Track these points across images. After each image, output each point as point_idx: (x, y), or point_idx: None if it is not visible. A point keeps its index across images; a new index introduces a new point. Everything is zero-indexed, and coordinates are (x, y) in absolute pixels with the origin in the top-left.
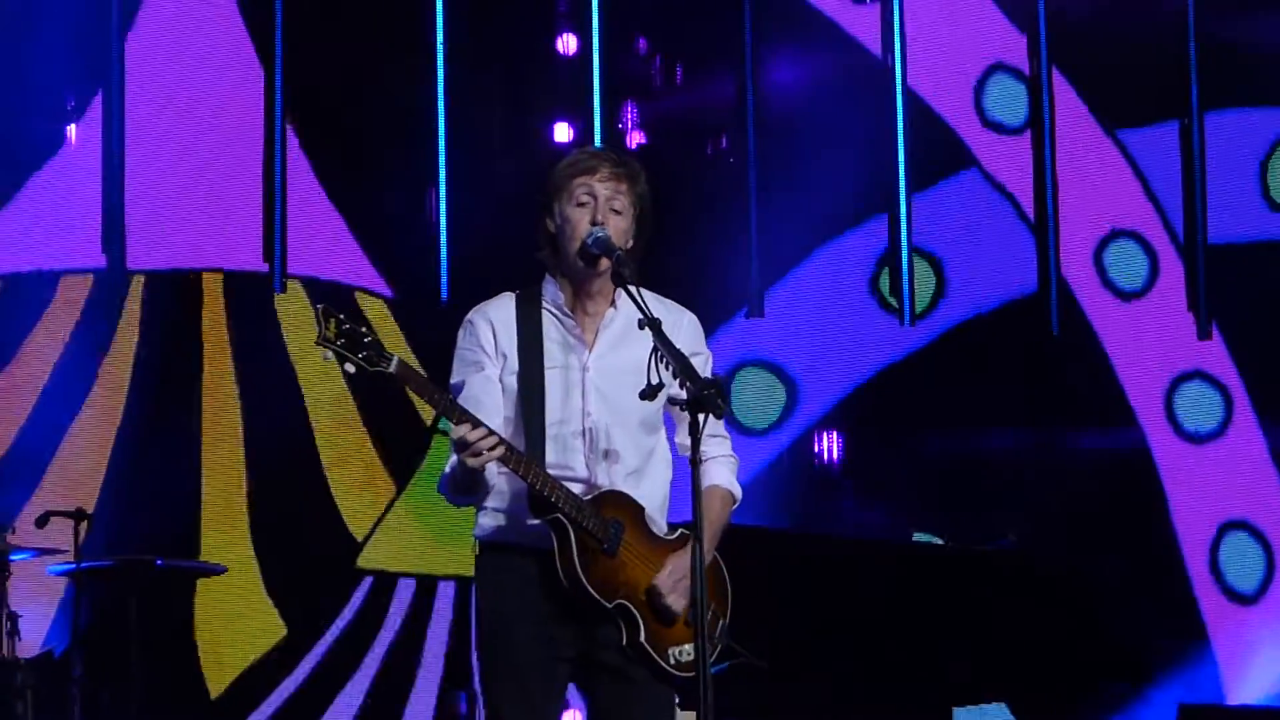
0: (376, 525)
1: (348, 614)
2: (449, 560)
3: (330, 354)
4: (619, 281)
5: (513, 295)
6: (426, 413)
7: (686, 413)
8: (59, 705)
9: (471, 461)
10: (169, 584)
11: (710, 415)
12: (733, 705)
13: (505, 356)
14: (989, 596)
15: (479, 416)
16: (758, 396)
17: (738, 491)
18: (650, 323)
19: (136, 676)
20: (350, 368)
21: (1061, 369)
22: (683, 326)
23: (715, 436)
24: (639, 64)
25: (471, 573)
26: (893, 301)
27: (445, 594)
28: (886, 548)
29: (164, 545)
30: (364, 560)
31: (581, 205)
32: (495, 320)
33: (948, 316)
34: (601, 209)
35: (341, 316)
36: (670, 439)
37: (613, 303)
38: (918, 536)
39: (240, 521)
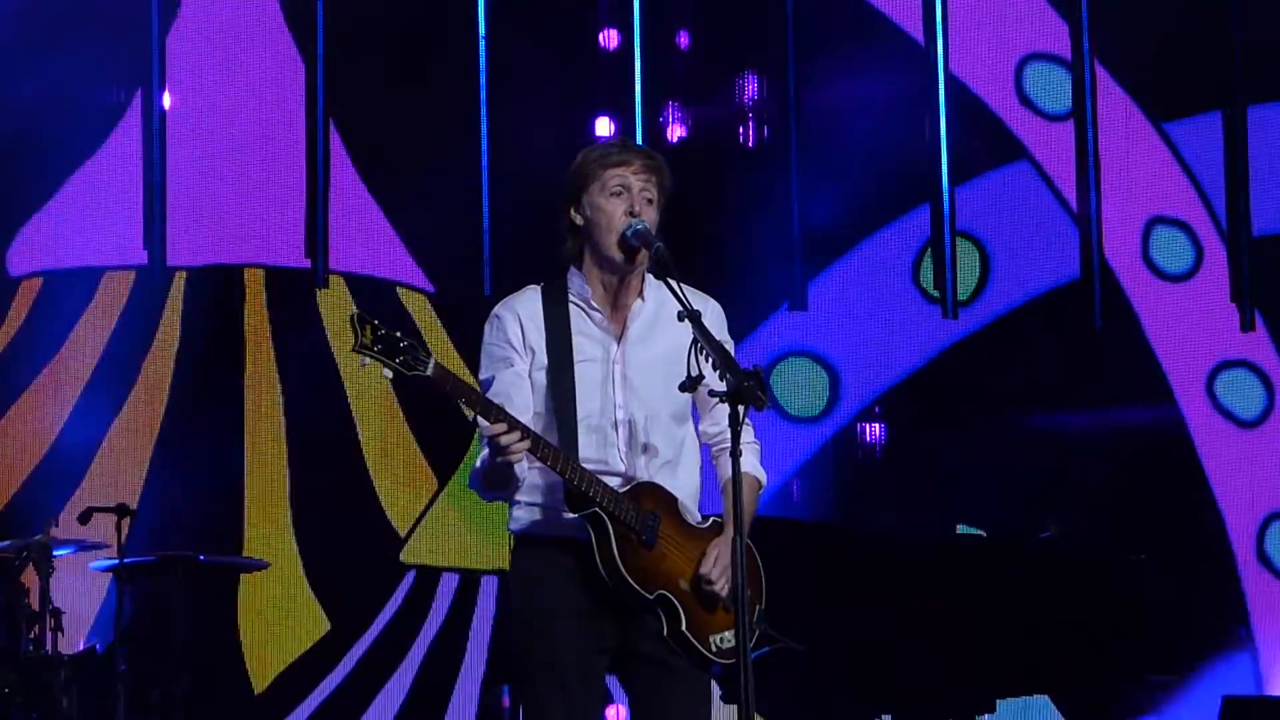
0: (419, 520)
1: (391, 609)
2: (491, 555)
3: (367, 360)
4: (660, 273)
5: (538, 288)
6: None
7: (726, 404)
8: (103, 701)
9: (501, 460)
10: (212, 580)
11: (751, 407)
12: (774, 696)
13: (534, 351)
14: (1031, 588)
15: (510, 413)
16: (802, 387)
17: (763, 477)
18: (690, 315)
19: (180, 672)
20: (388, 373)
21: (1105, 356)
22: (707, 315)
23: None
24: (680, 57)
25: None
26: (935, 292)
27: (488, 588)
28: (930, 539)
29: (207, 541)
30: (407, 555)
31: (616, 195)
32: (523, 315)
33: (991, 305)
34: (637, 199)
35: (376, 322)
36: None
37: (641, 294)
38: (961, 529)
39: (283, 517)
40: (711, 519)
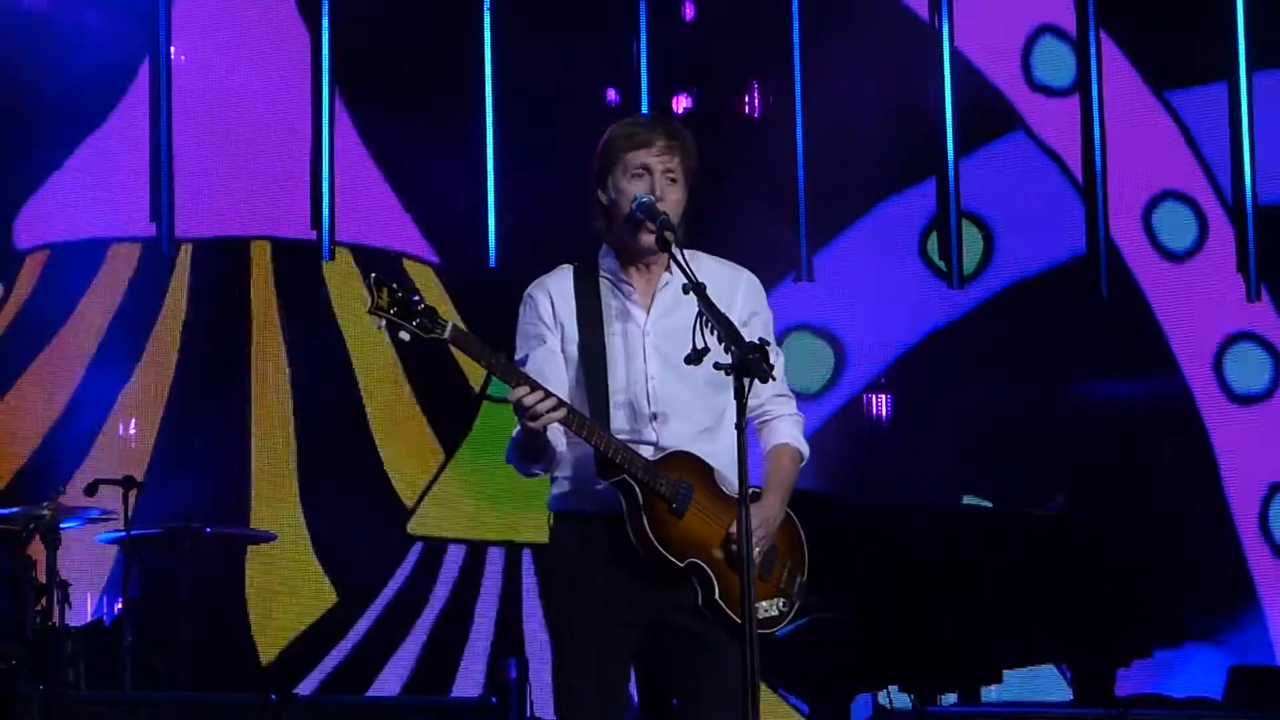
0: (426, 492)
1: (398, 580)
2: (498, 526)
3: (383, 323)
4: (664, 245)
5: (570, 267)
6: (475, 378)
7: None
8: (110, 673)
9: (532, 424)
10: (219, 551)
11: (755, 380)
12: (785, 669)
13: (563, 326)
14: (1038, 559)
15: (533, 377)
16: (807, 360)
17: (805, 449)
18: (695, 287)
19: (187, 644)
20: (405, 335)
21: (1110, 330)
22: (741, 286)
23: (780, 395)
24: (686, 28)
25: (521, 539)
26: (941, 265)
27: (495, 560)
28: (936, 511)
29: (214, 513)
30: (414, 527)
31: (637, 178)
32: (553, 292)
33: (996, 279)
34: (659, 182)
35: (394, 285)
36: None
37: (668, 267)
38: (968, 500)
39: (290, 489)
40: (751, 489)
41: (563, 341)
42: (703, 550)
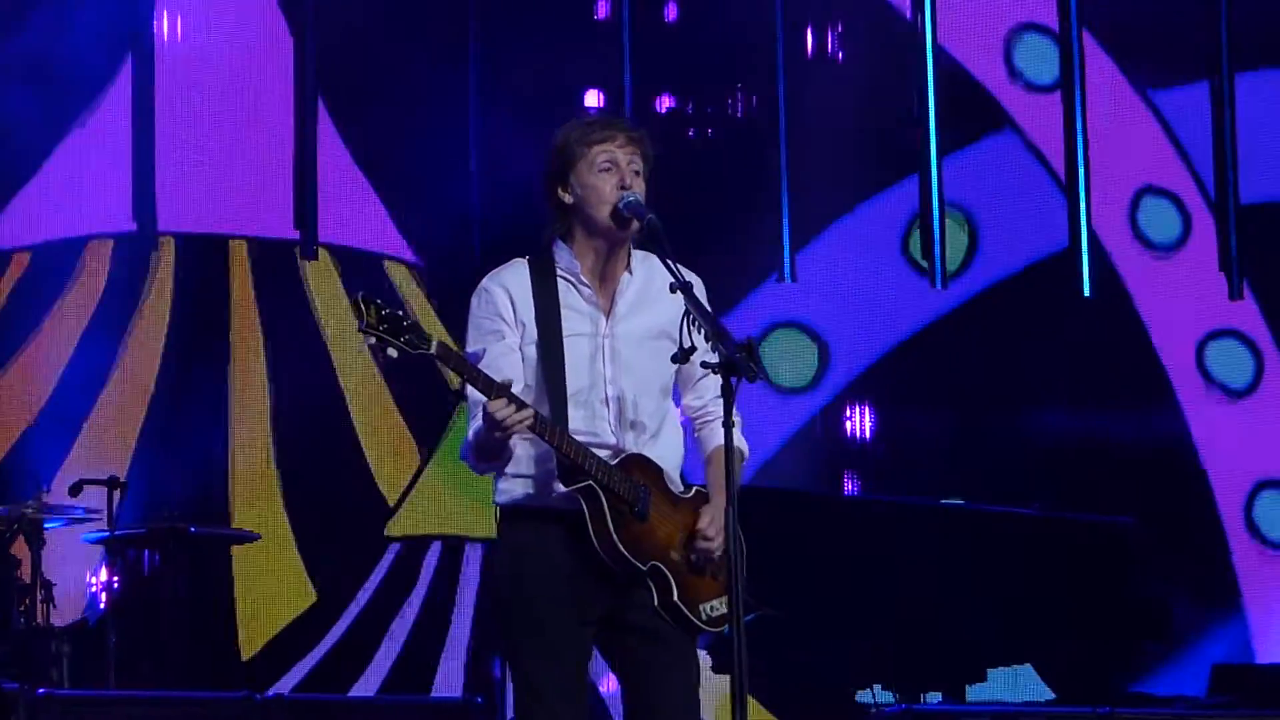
0: (408, 491)
1: (378, 578)
2: (477, 523)
3: (373, 340)
4: (650, 244)
5: (524, 262)
6: (453, 376)
7: (713, 377)
8: (94, 672)
9: (499, 435)
10: (203, 551)
11: (743, 379)
12: (764, 669)
13: (524, 325)
14: (1022, 558)
15: (509, 390)
16: (791, 357)
17: (746, 449)
18: (682, 286)
19: (170, 642)
20: (393, 352)
21: (1093, 327)
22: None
23: (721, 397)
24: (669, 28)
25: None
26: (924, 263)
27: (474, 557)
28: (920, 509)
29: (196, 512)
30: (395, 525)
31: (605, 171)
32: (511, 288)
33: (979, 277)
34: (625, 173)
35: (380, 302)
36: (677, 402)
37: (628, 268)
38: (945, 503)
39: (271, 487)
40: (695, 489)
41: (521, 341)
42: (662, 552)
